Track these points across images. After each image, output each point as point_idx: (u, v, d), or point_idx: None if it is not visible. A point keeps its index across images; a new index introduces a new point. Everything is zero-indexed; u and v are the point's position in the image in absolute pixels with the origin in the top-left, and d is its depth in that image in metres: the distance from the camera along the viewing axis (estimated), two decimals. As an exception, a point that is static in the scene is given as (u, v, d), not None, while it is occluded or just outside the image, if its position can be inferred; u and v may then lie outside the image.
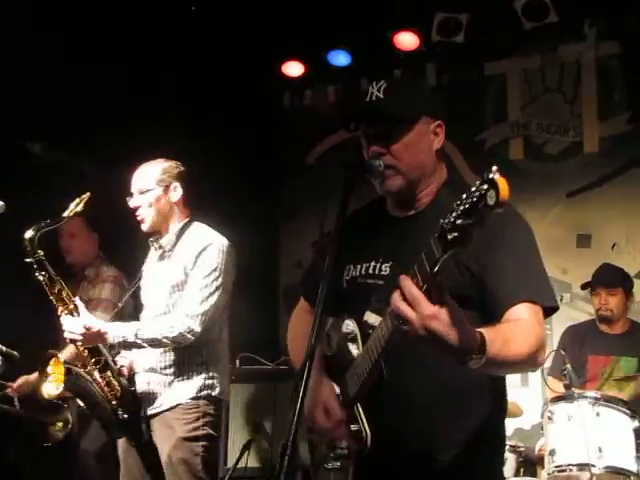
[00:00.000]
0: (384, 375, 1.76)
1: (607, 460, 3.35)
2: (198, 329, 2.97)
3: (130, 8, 4.43)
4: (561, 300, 5.10)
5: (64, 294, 3.08)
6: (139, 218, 3.15)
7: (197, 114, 5.10)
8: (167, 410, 3.03)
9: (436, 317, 1.50)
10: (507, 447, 4.00)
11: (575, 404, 3.49)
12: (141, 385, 3.09)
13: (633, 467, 3.39)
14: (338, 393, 1.93)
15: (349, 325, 1.89)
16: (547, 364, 4.28)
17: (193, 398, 3.02)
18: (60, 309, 3.07)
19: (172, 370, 3.06)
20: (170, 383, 3.05)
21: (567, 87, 5.22)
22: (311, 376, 1.67)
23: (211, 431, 3.04)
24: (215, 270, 3.05)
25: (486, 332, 1.60)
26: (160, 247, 3.18)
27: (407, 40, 5.25)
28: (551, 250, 5.11)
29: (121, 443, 3.13)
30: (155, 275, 3.21)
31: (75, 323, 2.97)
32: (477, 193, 1.34)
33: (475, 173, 5.42)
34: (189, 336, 2.96)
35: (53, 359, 3.08)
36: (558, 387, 3.81)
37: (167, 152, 3.28)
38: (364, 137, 1.96)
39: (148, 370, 3.09)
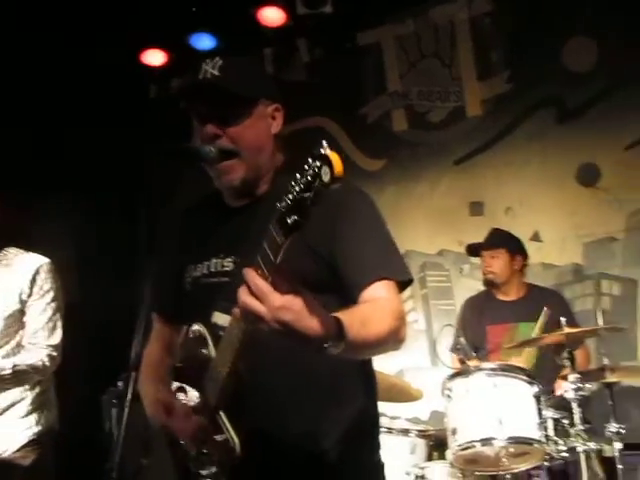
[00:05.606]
0: (243, 377, 1.76)
1: (508, 431, 3.41)
2: (59, 359, 3.11)
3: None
4: (461, 272, 5.30)
5: None
6: None
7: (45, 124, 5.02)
8: (23, 447, 3.06)
9: (287, 307, 1.51)
10: (415, 433, 4.11)
11: (471, 378, 3.56)
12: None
13: (536, 434, 3.46)
14: (198, 402, 1.92)
15: (198, 330, 1.90)
16: (449, 341, 4.41)
17: (47, 429, 3.12)
18: None
19: (30, 404, 3.10)
20: (27, 417, 3.09)
21: (443, 51, 5.42)
22: (144, 387, 1.74)
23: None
24: (54, 295, 3.14)
25: (343, 316, 1.63)
26: None
27: (272, 15, 5.32)
28: (445, 222, 5.31)
29: None
30: None
31: None
32: (311, 171, 1.37)
33: (362, 151, 5.57)
34: (53, 367, 3.09)
35: None
36: (457, 363, 3.93)
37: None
38: (196, 118, 1.92)
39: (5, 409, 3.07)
